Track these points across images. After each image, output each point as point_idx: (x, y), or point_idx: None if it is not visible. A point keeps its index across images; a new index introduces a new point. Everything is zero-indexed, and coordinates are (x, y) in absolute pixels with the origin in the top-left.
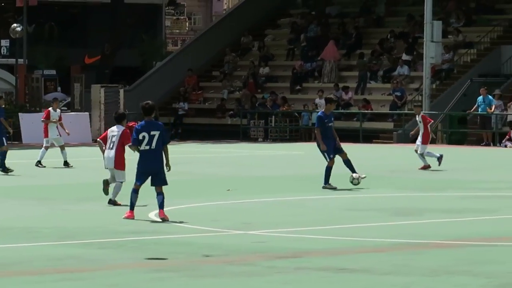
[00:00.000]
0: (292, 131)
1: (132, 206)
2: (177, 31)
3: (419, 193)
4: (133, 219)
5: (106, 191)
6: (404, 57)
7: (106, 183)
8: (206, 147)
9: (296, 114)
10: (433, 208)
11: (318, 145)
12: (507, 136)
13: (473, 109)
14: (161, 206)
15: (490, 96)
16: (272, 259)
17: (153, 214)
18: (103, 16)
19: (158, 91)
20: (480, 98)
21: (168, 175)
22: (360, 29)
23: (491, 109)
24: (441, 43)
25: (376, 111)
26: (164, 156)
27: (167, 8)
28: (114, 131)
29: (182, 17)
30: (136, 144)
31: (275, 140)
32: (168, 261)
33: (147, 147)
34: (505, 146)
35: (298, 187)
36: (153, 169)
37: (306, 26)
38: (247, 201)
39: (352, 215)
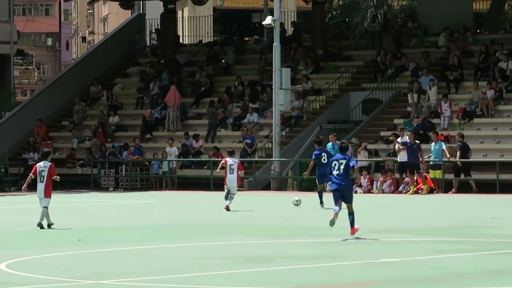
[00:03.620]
0: (143, 179)
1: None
2: (26, 81)
3: (269, 240)
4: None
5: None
6: (254, 104)
7: (41, 226)
8: (56, 197)
9: (147, 163)
10: (283, 255)
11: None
12: (357, 182)
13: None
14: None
15: (338, 143)
16: None
17: (4, 265)
18: None
19: (7, 142)
20: (329, 145)
21: (17, 226)
22: (208, 77)
23: None
24: (290, 90)
25: None
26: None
27: (15, 58)
28: (42, 166)
29: (30, 67)
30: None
31: (126, 189)
32: None
33: (336, 173)
34: (355, 192)
35: (148, 236)
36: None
37: (155, 74)
38: (98, 251)
39: (202, 263)
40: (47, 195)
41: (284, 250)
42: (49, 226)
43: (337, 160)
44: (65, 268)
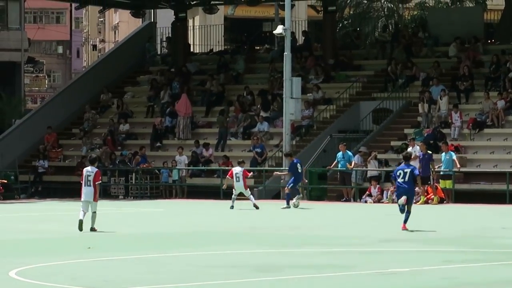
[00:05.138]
0: (152, 188)
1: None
2: (36, 88)
3: (279, 249)
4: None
5: (81, 228)
6: (264, 113)
7: (81, 223)
8: (66, 204)
9: (157, 171)
10: (292, 264)
11: None
12: (367, 192)
13: (333, 165)
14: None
15: (349, 152)
16: None
17: (14, 273)
18: None
19: (17, 149)
20: (339, 154)
21: (26, 233)
22: (219, 86)
23: (350, 164)
24: (301, 99)
25: None
26: None
27: (26, 65)
28: (89, 171)
29: (41, 75)
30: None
31: (136, 197)
32: None
33: (401, 180)
34: (365, 201)
35: (157, 244)
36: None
37: (166, 83)
38: (107, 259)
39: (211, 271)
40: (96, 199)
41: (293, 259)
42: (92, 229)
43: (402, 169)
44: (74, 276)
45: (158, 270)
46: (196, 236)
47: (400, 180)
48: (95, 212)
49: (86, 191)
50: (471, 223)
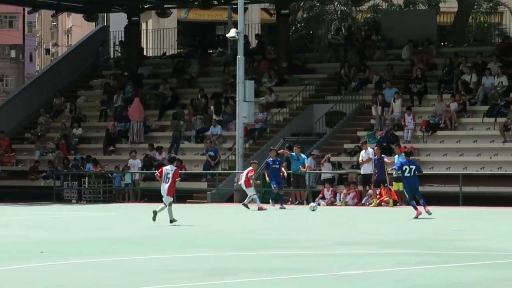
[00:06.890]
0: (105, 192)
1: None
2: None
3: (232, 252)
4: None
5: (154, 219)
6: (217, 117)
7: (155, 213)
8: (19, 209)
9: (110, 175)
10: (246, 268)
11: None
12: (320, 194)
13: (284, 152)
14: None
15: (303, 155)
16: None
17: None
18: None
19: None
20: (293, 155)
21: None
22: (173, 89)
23: (304, 167)
24: (254, 102)
25: (189, 171)
26: None
27: None
28: (168, 169)
29: None
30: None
31: (89, 201)
32: None
33: (408, 174)
34: (319, 204)
35: (111, 248)
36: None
37: (119, 87)
38: (62, 263)
39: (165, 275)
40: (169, 194)
41: (248, 263)
42: (171, 221)
43: (407, 165)
44: (29, 281)
45: (112, 274)
46: (149, 240)
47: (406, 174)
48: (170, 205)
49: (163, 187)
50: (424, 225)
